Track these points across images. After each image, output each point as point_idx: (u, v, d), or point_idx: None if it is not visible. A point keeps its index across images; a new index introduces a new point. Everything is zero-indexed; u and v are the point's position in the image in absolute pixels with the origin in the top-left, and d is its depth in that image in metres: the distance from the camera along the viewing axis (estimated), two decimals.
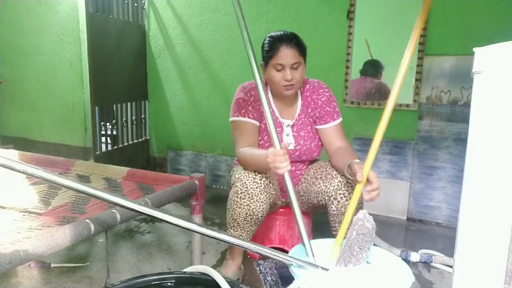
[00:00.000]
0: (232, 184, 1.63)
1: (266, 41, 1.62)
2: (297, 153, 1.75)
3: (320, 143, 1.77)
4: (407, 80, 2.51)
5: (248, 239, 1.64)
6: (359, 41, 2.60)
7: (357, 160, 1.45)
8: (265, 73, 1.66)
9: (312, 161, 1.84)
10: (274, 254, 1.15)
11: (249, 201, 1.54)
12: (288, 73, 1.56)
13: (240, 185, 1.55)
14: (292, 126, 1.74)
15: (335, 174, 1.60)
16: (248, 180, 1.54)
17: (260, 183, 1.54)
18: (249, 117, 1.66)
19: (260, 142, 1.73)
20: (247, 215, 1.56)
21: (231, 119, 1.70)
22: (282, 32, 1.60)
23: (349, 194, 1.59)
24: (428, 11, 1.37)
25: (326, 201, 1.62)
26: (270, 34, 1.62)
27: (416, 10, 2.42)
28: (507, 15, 2.14)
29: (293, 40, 1.57)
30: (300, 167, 1.80)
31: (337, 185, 1.59)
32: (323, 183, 1.63)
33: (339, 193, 1.58)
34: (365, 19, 2.57)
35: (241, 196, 1.54)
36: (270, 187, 1.57)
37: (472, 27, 2.31)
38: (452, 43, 2.41)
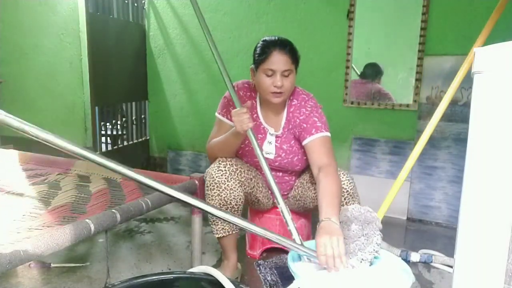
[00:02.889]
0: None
1: (259, 45, 1.57)
2: (276, 163, 1.73)
3: (304, 157, 1.70)
4: (407, 80, 2.51)
5: (234, 231, 1.64)
6: (359, 41, 2.60)
7: (327, 219, 1.29)
8: (254, 78, 1.61)
9: (303, 170, 1.80)
10: (278, 239, 1.17)
11: (218, 190, 1.55)
12: (278, 79, 1.50)
13: (208, 177, 1.58)
14: (277, 137, 1.71)
15: None
16: (213, 170, 1.57)
17: (225, 170, 1.56)
18: (227, 118, 1.68)
19: (242, 146, 1.69)
20: (221, 205, 1.56)
21: (216, 114, 1.73)
22: (276, 37, 1.55)
23: (344, 199, 1.58)
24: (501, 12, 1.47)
25: None
26: (264, 38, 1.58)
27: (416, 11, 2.43)
28: (507, 15, 2.14)
29: (287, 47, 1.52)
30: (288, 173, 1.79)
31: None
32: (316, 189, 1.60)
33: None
34: (365, 19, 2.57)
35: (210, 188, 1.56)
36: (238, 174, 1.58)
37: (472, 27, 2.31)
38: (452, 43, 2.41)
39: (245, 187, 1.61)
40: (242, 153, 1.73)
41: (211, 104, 3.17)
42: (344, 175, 1.62)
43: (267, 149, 1.70)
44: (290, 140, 1.70)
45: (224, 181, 1.55)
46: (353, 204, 1.55)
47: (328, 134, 1.61)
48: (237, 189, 1.56)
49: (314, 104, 1.66)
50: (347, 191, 1.59)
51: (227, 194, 1.55)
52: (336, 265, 1.17)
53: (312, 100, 1.68)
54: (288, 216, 1.36)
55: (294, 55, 1.54)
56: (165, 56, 3.26)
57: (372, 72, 2.60)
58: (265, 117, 1.71)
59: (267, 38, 1.57)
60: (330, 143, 1.61)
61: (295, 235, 1.32)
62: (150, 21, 3.26)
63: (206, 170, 1.62)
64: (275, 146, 1.71)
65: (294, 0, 2.76)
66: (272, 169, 1.64)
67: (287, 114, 1.67)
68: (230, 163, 1.58)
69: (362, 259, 1.22)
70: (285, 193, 1.82)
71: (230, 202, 1.56)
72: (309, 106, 1.64)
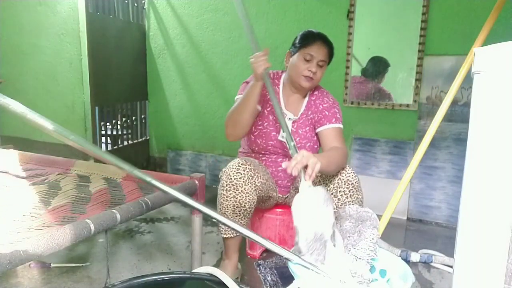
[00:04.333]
0: (220, 179, 1.66)
1: (303, 33, 1.73)
2: None
3: (316, 146, 1.80)
4: (407, 80, 2.52)
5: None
6: (359, 41, 2.60)
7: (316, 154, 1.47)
8: (288, 61, 1.74)
9: None
10: (275, 247, 1.18)
11: (235, 192, 1.57)
12: (314, 65, 1.66)
13: (225, 177, 1.59)
14: (294, 122, 1.77)
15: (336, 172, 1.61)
16: (231, 171, 1.58)
17: (244, 173, 1.57)
18: None
19: (260, 128, 1.76)
20: (235, 207, 1.58)
21: (235, 98, 1.75)
22: (320, 32, 1.74)
23: (349, 191, 1.60)
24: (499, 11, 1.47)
25: None
26: (310, 29, 1.74)
27: (416, 10, 2.43)
28: (507, 15, 2.14)
29: (328, 42, 1.72)
30: None
31: (337, 183, 1.60)
32: (323, 181, 1.64)
33: (339, 191, 1.60)
34: (365, 19, 2.57)
35: (226, 189, 1.58)
36: (255, 178, 1.60)
37: (472, 27, 2.31)
38: (452, 43, 2.41)
39: (259, 191, 1.63)
40: (258, 134, 1.76)
41: (211, 104, 3.17)
42: (350, 168, 1.66)
43: (283, 133, 1.74)
44: (306, 126, 1.78)
45: (242, 184, 1.56)
46: (357, 196, 1.61)
47: (342, 127, 1.77)
48: (252, 193, 1.59)
49: (334, 98, 1.84)
50: (352, 183, 1.61)
51: (243, 197, 1.57)
52: (296, 167, 1.31)
53: (330, 94, 1.86)
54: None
55: (331, 51, 1.73)
56: (165, 56, 3.26)
57: (376, 68, 2.60)
58: (286, 104, 1.79)
59: (312, 30, 1.75)
60: (343, 135, 1.76)
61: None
62: (150, 21, 3.26)
63: (222, 170, 1.63)
64: (291, 130, 1.76)
65: (294, 0, 2.76)
66: (283, 154, 1.77)
67: (308, 102, 1.80)
68: (250, 167, 1.60)
69: (356, 256, 1.20)
70: (289, 183, 1.83)
71: (244, 205, 1.58)
72: (331, 98, 1.82)
